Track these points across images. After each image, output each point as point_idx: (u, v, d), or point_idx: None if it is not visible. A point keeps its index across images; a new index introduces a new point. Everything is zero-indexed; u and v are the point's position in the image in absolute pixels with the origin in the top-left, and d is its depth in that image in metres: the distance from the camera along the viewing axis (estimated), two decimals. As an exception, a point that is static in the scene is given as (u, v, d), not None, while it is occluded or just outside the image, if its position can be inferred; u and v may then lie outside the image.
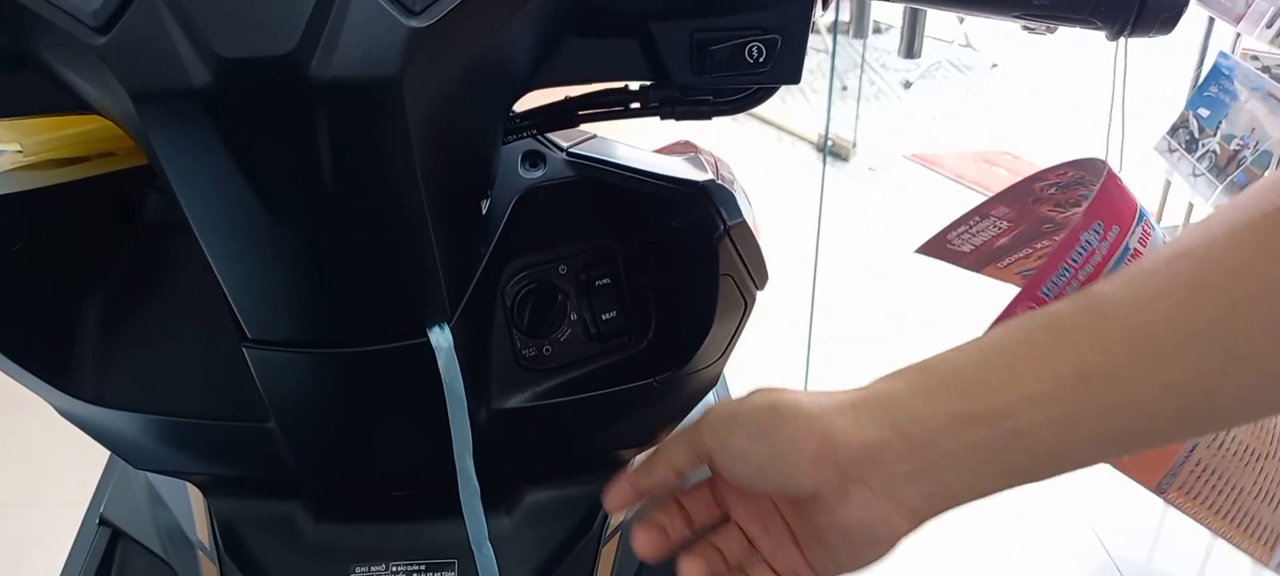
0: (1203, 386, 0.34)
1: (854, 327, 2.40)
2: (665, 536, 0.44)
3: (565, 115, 0.49)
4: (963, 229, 0.53)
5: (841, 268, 2.55)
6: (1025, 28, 3.65)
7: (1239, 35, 2.07)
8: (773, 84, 0.44)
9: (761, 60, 0.42)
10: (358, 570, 0.54)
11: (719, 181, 0.53)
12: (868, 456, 0.37)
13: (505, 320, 0.52)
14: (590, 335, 0.53)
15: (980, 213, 0.52)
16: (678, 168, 0.53)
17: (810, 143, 3.64)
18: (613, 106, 0.48)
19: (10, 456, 1.94)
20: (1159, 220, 1.26)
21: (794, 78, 0.43)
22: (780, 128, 3.75)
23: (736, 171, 0.58)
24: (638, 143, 0.55)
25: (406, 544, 0.55)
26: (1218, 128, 2.09)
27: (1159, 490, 0.52)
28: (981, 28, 4.69)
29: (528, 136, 0.51)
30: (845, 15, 4.67)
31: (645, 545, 0.44)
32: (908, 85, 4.34)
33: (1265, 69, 2.08)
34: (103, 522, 0.63)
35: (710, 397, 0.57)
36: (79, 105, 0.37)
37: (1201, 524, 0.54)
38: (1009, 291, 0.48)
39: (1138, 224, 0.46)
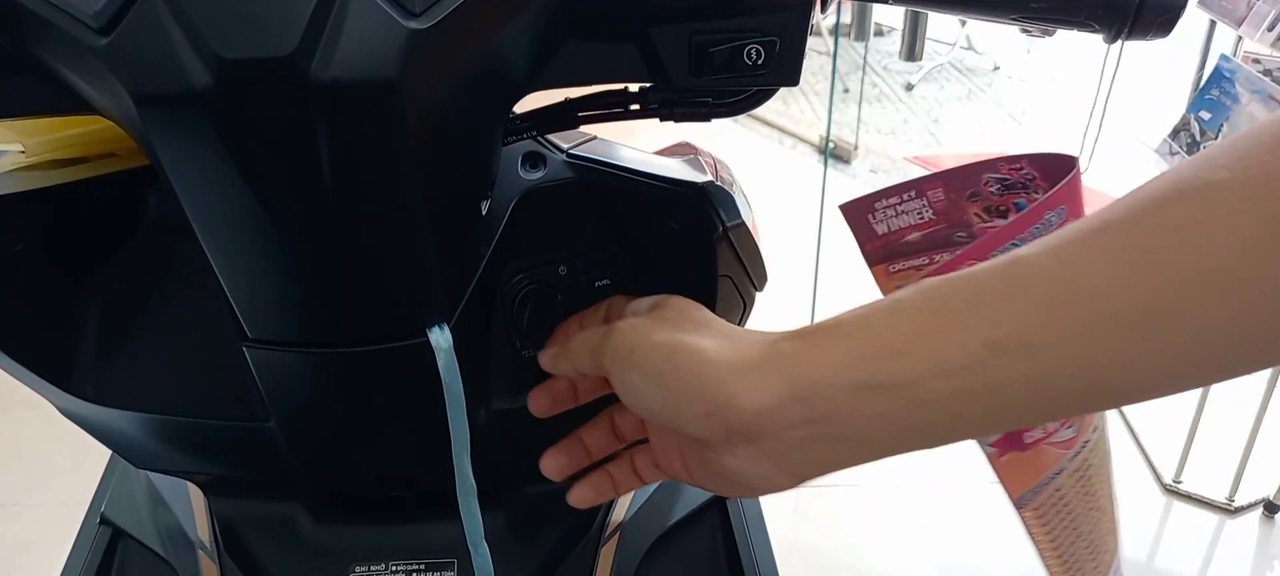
0: (1116, 366, 0.33)
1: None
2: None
3: (565, 117, 0.49)
4: (893, 200, 0.51)
5: (842, 270, 2.55)
6: (1022, 31, 3.64)
7: (1240, 38, 2.07)
8: (771, 86, 0.45)
9: (760, 62, 0.42)
10: (357, 569, 0.54)
11: (718, 183, 0.53)
12: (760, 421, 0.37)
13: (505, 321, 0.52)
14: None
15: (916, 188, 0.50)
16: (677, 169, 0.53)
17: (812, 145, 3.65)
18: (612, 108, 0.48)
19: (10, 456, 1.95)
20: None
21: (793, 80, 0.43)
22: (782, 130, 3.76)
23: (737, 173, 0.58)
24: (637, 144, 0.55)
25: (406, 543, 0.55)
26: (1219, 130, 2.09)
27: (1019, 503, 0.51)
28: (983, 31, 4.69)
29: (528, 138, 0.51)
30: (847, 18, 4.67)
31: (551, 466, 0.49)
32: (909, 87, 4.34)
33: (1267, 72, 2.07)
34: (103, 522, 0.64)
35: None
36: (80, 106, 0.37)
37: (1038, 550, 0.54)
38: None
39: None
